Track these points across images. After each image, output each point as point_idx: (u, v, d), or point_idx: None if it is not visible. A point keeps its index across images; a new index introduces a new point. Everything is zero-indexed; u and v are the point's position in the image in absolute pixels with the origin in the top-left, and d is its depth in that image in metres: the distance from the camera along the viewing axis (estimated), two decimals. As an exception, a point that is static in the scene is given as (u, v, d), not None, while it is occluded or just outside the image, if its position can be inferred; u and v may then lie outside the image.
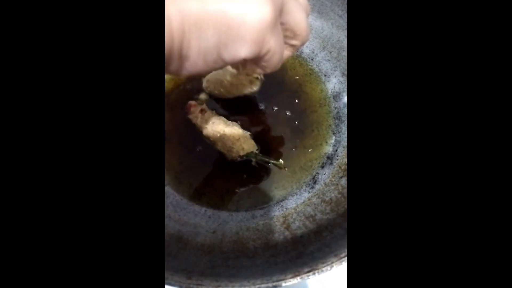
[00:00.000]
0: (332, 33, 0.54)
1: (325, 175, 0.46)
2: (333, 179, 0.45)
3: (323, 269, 0.27)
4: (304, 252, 0.34)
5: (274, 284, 0.26)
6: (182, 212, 0.43)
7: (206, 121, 0.48)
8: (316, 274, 0.27)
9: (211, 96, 0.52)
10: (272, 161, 0.47)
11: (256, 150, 0.47)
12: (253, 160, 0.47)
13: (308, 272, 0.27)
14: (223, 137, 0.47)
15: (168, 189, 0.45)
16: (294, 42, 0.30)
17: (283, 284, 0.27)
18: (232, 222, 0.43)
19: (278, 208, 0.44)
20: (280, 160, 0.47)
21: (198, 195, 0.45)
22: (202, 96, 0.53)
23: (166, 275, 0.28)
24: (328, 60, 0.55)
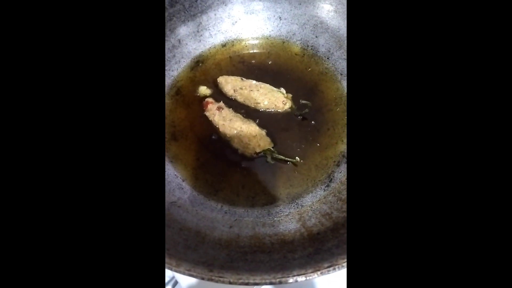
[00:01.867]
0: (349, 32, 0.54)
1: (341, 173, 0.46)
2: (349, 178, 0.45)
3: (343, 264, 0.27)
4: (321, 249, 0.34)
5: (296, 278, 0.27)
6: (199, 207, 0.44)
7: (224, 118, 0.49)
8: (337, 269, 0.27)
9: (230, 99, 0.52)
10: (288, 159, 0.47)
11: (272, 147, 0.48)
12: (269, 157, 0.47)
13: (329, 267, 0.27)
14: (240, 134, 0.47)
15: (185, 184, 0.46)
16: None
17: (299, 279, 0.28)
18: (248, 218, 0.43)
19: (294, 206, 0.44)
20: (296, 157, 0.47)
21: (214, 191, 0.46)
22: (202, 89, 0.54)
23: (188, 267, 0.29)
24: (344, 59, 0.55)
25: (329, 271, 0.27)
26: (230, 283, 0.27)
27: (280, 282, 0.27)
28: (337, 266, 0.27)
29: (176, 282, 0.47)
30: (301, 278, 0.27)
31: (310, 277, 0.27)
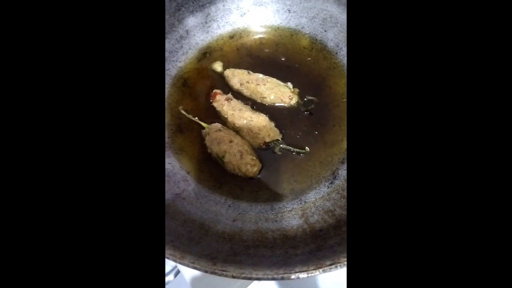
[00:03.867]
0: (359, 27, 0.53)
1: (345, 170, 0.46)
2: (353, 175, 0.45)
3: (345, 262, 0.28)
4: (323, 246, 0.34)
5: (297, 275, 0.27)
6: (203, 200, 0.44)
7: (233, 108, 0.49)
8: (338, 267, 0.28)
9: (236, 92, 0.52)
10: (297, 149, 0.47)
11: (281, 138, 0.48)
12: (277, 148, 0.47)
13: (331, 265, 0.28)
14: (249, 124, 0.48)
15: (190, 177, 0.47)
16: None
17: (301, 276, 0.28)
18: (251, 212, 0.44)
19: (297, 201, 0.44)
20: (306, 148, 0.47)
21: (219, 184, 0.46)
22: (217, 66, 0.54)
23: (192, 260, 0.29)
24: (353, 54, 0.54)
25: (331, 268, 0.28)
26: (233, 277, 0.28)
27: (283, 278, 0.27)
28: (339, 264, 0.28)
29: (178, 272, 0.48)
30: (303, 275, 0.27)
31: (312, 274, 0.27)
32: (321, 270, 0.27)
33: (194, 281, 0.44)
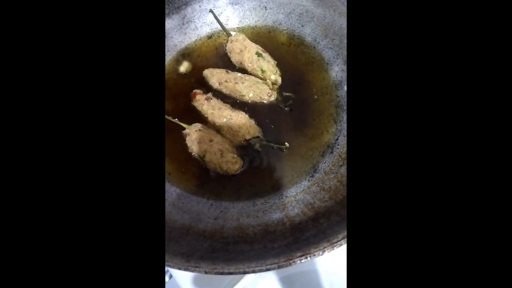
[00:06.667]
0: (334, 20, 0.54)
1: (325, 163, 0.46)
2: (333, 168, 0.46)
3: (315, 253, 0.28)
4: (300, 238, 0.35)
5: (268, 267, 0.27)
6: (185, 200, 0.45)
7: (213, 107, 0.49)
8: (309, 258, 0.28)
9: (216, 91, 0.52)
10: (277, 145, 0.47)
11: (261, 135, 0.48)
12: (257, 144, 0.48)
13: (301, 256, 0.28)
14: (229, 122, 0.48)
15: (171, 178, 0.47)
16: None
17: (271, 269, 0.28)
18: (233, 210, 0.44)
19: (278, 196, 0.45)
20: (286, 143, 0.48)
21: (200, 184, 0.47)
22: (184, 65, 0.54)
23: (166, 258, 0.30)
24: (331, 48, 0.54)
25: (301, 260, 0.28)
26: (205, 272, 0.28)
27: (254, 271, 0.28)
28: (309, 255, 0.28)
29: (170, 276, 0.48)
30: (273, 267, 0.27)
31: (282, 266, 0.28)
32: (291, 261, 0.28)
33: (187, 282, 0.44)
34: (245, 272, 0.28)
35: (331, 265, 0.48)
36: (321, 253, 0.28)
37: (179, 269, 0.29)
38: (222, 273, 0.28)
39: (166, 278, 0.49)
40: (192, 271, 0.28)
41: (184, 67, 0.55)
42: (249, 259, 0.30)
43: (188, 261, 0.29)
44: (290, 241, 0.35)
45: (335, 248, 0.28)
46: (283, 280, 0.50)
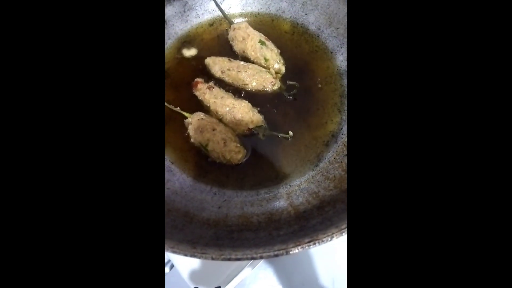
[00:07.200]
0: (339, 8, 0.53)
1: (330, 153, 0.46)
2: (337, 157, 0.45)
3: (324, 239, 0.28)
4: (306, 226, 0.34)
5: (276, 253, 0.27)
6: (188, 189, 0.44)
7: (215, 96, 0.49)
8: (317, 244, 0.28)
9: (218, 80, 0.51)
10: (281, 134, 0.47)
11: (265, 124, 0.48)
12: (261, 133, 0.47)
13: (309, 242, 0.28)
14: (232, 111, 0.47)
15: (174, 167, 0.46)
16: None
17: (279, 254, 0.28)
18: (237, 199, 0.44)
19: (282, 186, 0.44)
20: (290, 132, 0.47)
21: (203, 173, 0.46)
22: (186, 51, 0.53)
23: (172, 245, 0.29)
24: (335, 36, 0.54)
25: (309, 245, 0.28)
26: (212, 259, 0.28)
27: (261, 257, 0.27)
28: (317, 241, 0.28)
29: (172, 266, 0.48)
30: (281, 252, 0.27)
31: (291, 252, 0.27)
32: (299, 247, 0.27)
33: (188, 273, 0.44)
34: (252, 258, 0.27)
35: (330, 257, 0.48)
36: (329, 239, 0.28)
37: (185, 255, 0.28)
38: (229, 259, 0.27)
39: (167, 269, 0.49)
40: (199, 258, 0.28)
41: (190, 52, 0.54)
42: (256, 245, 0.30)
43: (194, 247, 0.29)
44: (296, 229, 0.34)
45: (343, 234, 0.28)
46: (282, 272, 0.50)
